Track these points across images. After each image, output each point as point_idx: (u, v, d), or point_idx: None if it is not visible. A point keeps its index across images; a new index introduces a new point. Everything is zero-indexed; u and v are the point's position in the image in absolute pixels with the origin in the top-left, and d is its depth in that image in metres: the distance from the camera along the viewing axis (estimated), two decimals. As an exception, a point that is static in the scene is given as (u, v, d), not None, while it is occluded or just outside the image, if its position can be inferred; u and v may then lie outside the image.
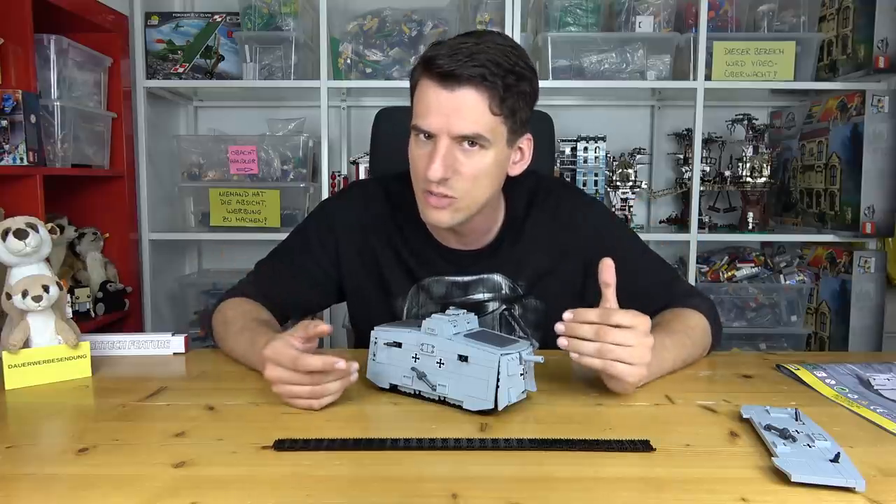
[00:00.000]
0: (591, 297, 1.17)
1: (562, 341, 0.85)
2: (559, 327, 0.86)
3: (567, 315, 0.86)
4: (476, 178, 0.99)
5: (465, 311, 0.91)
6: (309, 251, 1.17)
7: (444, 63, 0.93)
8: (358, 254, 1.16)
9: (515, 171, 1.07)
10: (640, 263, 1.15)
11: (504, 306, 1.15)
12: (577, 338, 0.85)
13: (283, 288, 1.17)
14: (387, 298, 1.16)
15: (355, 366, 0.83)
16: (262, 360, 0.85)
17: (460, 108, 0.94)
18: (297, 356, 0.81)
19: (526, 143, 1.06)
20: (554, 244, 1.14)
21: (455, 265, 1.14)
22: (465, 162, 0.97)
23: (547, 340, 1.18)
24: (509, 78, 0.95)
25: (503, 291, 1.14)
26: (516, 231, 1.14)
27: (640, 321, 0.85)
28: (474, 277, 1.14)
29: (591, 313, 0.85)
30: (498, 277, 1.14)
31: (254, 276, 1.21)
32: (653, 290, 1.13)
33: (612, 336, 0.84)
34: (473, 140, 0.96)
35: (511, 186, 1.11)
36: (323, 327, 0.82)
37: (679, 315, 1.07)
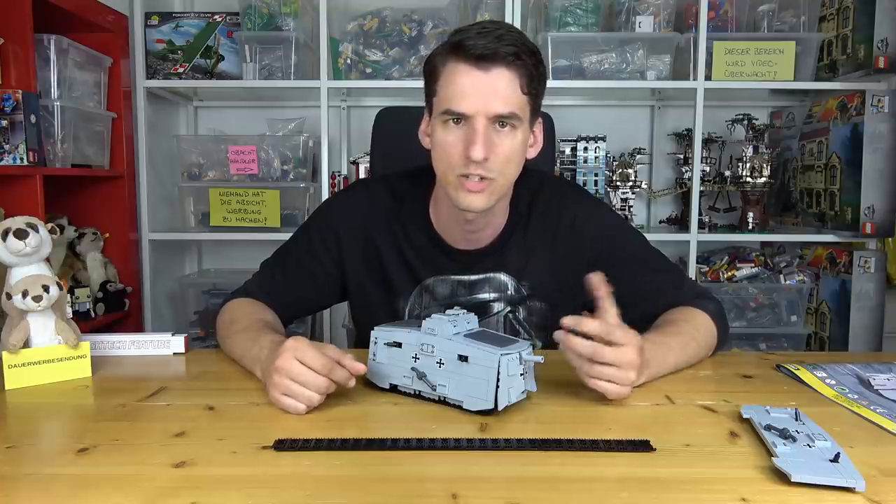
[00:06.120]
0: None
1: (561, 342, 0.86)
2: (558, 335, 0.86)
3: (567, 321, 0.86)
4: (509, 159, 1.00)
5: (467, 311, 0.90)
6: (312, 250, 1.16)
7: (477, 44, 0.94)
8: (361, 252, 1.15)
9: (531, 153, 1.08)
10: (647, 263, 1.15)
11: (508, 308, 1.14)
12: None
13: (286, 288, 1.17)
14: (389, 298, 1.15)
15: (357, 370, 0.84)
16: (278, 353, 0.84)
17: (496, 88, 0.96)
18: (333, 365, 0.82)
19: (538, 127, 1.08)
20: (558, 246, 1.13)
21: (460, 264, 1.13)
22: (499, 143, 0.98)
23: (551, 341, 1.18)
24: (535, 58, 0.98)
25: (508, 292, 1.14)
26: (520, 230, 1.13)
27: (633, 340, 0.86)
28: (480, 276, 1.13)
29: (591, 324, 0.85)
30: (503, 277, 1.13)
31: (258, 276, 1.21)
32: (661, 289, 1.12)
33: (605, 356, 0.84)
34: (505, 120, 0.97)
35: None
36: (359, 367, 0.84)
37: (685, 315, 1.07)
